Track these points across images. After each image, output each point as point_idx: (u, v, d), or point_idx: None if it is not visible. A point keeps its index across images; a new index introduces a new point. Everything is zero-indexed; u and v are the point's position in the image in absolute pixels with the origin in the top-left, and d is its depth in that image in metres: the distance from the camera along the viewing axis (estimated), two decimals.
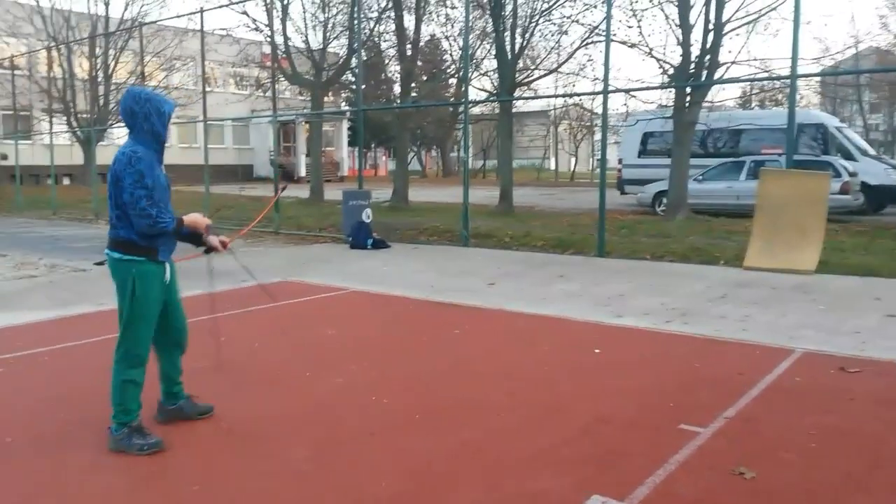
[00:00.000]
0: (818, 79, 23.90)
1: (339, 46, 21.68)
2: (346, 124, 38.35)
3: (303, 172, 33.35)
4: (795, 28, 8.76)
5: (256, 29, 20.05)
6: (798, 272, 8.07)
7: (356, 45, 16.17)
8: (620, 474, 3.14)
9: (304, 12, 20.63)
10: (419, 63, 22.25)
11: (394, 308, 6.92)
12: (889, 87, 26.89)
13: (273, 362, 4.97)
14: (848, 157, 15.93)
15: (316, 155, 22.16)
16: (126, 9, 27.40)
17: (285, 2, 19.69)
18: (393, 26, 19.80)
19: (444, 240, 12.18)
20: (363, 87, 17.89)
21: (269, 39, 20.14)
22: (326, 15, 20.12)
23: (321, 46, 20.44)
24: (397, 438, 3.56)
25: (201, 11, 15.71)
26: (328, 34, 20.31)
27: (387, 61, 22.33)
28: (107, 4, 27.72)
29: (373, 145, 44.19)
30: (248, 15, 20.47)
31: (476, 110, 31.98)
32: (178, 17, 30.15)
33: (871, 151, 18.15)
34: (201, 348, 5.32)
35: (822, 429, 3.66)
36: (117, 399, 3.41)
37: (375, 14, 20.09)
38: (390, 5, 19.29)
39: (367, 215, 11.66)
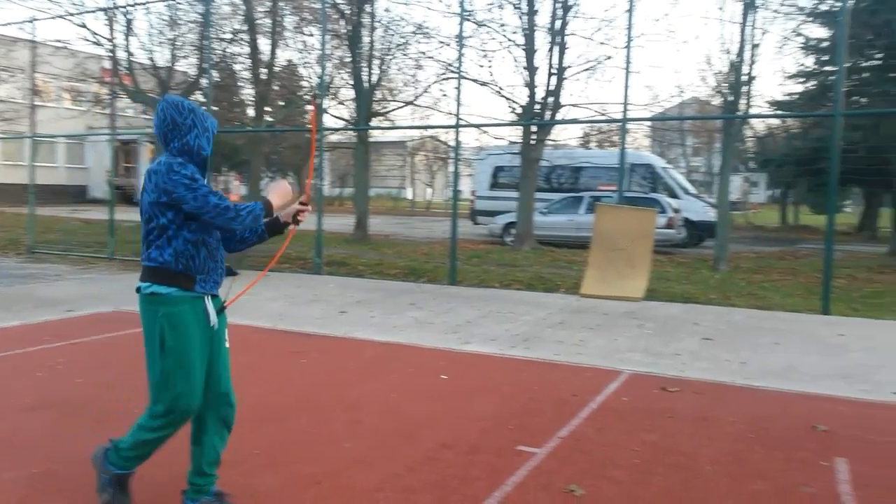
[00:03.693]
0: (648, 123, 26.24)
1: (188, 65, 20.81)
2: None
3: None
4: (626, 77, 9.59)
5: (96, 42, 18.78)
6: (628, 299, 8.72)
7: (206, 65, 15.60)
8: (460, 499, 3.19)
9: (151, 28, 19.58)
10: (275, 88, 21.85)
11: (238, 337, 6.60)
12: (708, 133, 30.12)
13: (100, 398, 4.58)
14: (673, 195, 17.57)
15: None
16: None
17: (129, 16, 18.62)
18: (248, 49, 19.35)
19: (297, 267, 11.92)
20: (214, 108, 17.24)
21: (110, 54, 18.91)
22: (175, 33, 19.26)
23: (168, 64, 19.50)
24: (234, 475, 3.39)
25: (33, 21, 14.48)
26: (176, 52, 19.43)
27: (240, 83, 21.72)
28: None
29: (224, 169, 42.56)
30: (86, 27, 19.13)
31: (333, 138, 31.83)
32: (5, 24, 27.58)
33: (693, 190, 20.13)
34: (22, 382, 4.82)
35: (646, 445, 3.95)
36: (130, 445, 2.89)
37: (229, 35, 19.54)
38: (245, 27, 18.84)
39: None
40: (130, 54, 19.24)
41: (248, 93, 21.31)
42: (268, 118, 21.21)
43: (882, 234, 21.72)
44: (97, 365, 5.49)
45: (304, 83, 22.95)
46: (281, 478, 3.40)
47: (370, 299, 8.91)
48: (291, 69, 23.89)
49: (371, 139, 20.62)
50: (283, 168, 45.45)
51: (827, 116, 13.21)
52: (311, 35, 19.09)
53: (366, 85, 17.02)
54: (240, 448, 3.74)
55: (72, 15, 17.42)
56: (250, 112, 21.48)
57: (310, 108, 18.95)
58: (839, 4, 8.97)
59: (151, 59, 19.36)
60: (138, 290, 2.84)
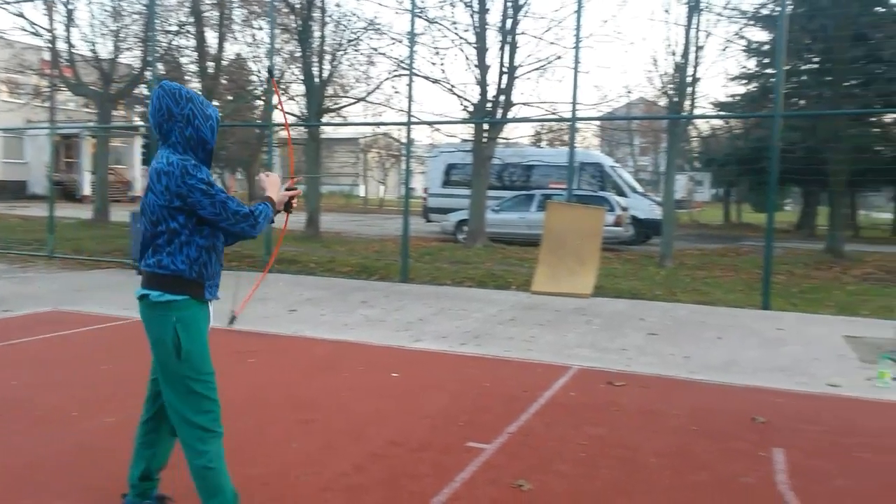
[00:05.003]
0: (597, 122, 26.67)
1: (132, 57, 20.22)
2: (140, 141, 35.67)
3: (87, 191, 30.46)
4: (575, 76, 9.72)
5: (35, 33, 18.09)
6: (577, 296, 8.85)
7: (151, 57, 15.19)
8: (409, 496, 3.19)
9: (93, 19, 18.96)
10: (223, 81, 21.40)
11: None
12: (654, 133, 30.83)
13: (34, 401, 4.42)
14: (620, 193, 17.93)
15: (102, 172, 20.33)
16: None
17: (69, 6, 17.99)
18: (194, 41, 18.91)
19: (246, 265, 11.70)
20: None
21: (49, 45, 18.25)
22: (118, 24, 18.68)
23: (111, 56, 18.91)
24: (178, 478, 3.29)
25: None
26: (119, 44, 18.85)
27: (187, 77, 21.22)
28: None
29: None
30: (24, 17, 18.39)
31: (283, 133, 31.38)
32: None
33: (640, 189, 20.56)
34: None
35: (592, 440, 4.02)
36: (208, 492, 2.70)
37: (174, 27, 19.05)
38: (191, 20, 18.41)
39: None
40: (71, 45, 18.64)
41: (194, 87, 20.87)
42: None
43: (819, 232, 22.56)
44: (35, 366, 5.29)
45: (253, 77, 22.57)
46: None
47: (321, 297, 8.82)
48: (240, 63, 23.44)
49: (323, 135, 20.40)
50: (231, 164, 44.53)
51: (767, 117, 13.64)
52: (261, 29, 18.79)
53: (317, 80, 16.82)
54: (181, 451, 3.66)
55: (8, 3, 16.74)
56: None
57: (265, 100, 18.55)
58: (779, 9, 9.28)
59: (93, 51, 18.78)
60: (143, 297, 2.65)
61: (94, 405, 4.38)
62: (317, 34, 16.95)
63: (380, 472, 3.45)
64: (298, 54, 17.37)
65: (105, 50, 18.92)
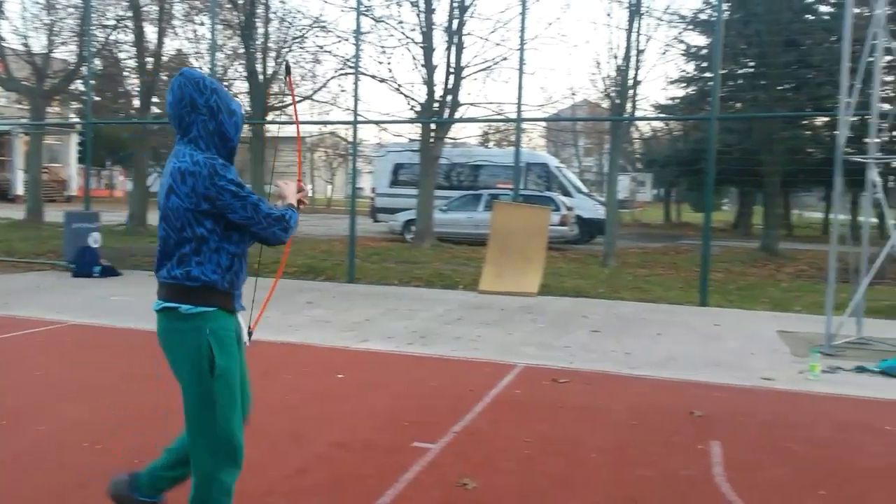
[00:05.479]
0: (542, 123, 27.00)
1: (67, 52, 19.50)
2: (76, 139, 34.43)
3: (20, 190, 29.25)
4: (520, 77, 9.84)
5: None
6: (523, 295, 8.96)
7: (87, 52, 14.66)
8: (352, 498, 3.17)
9: (25, 11, 18.20)
10: (163, 77, 20.84)
11: (120, 343, 6.29)
12: (598, 135, 31.42)
13: None
14: (566, 193, 18.22)
15: (35, 171, 19.55)
16: None
17: None
18: (133, 36, 18.35)
19: None
20: (97, 98, 16.27)
21: None
22: (52, 17, 17.98)
23: (45, 51, 18.19)
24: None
25: None
26: (54, 38, 18.15)
27: (125, 73, 20.59)
28: None
29: (108, 163, 40.20)
30: None
31: None
32: None
33: (585, 189, 20.93)
34: None
35: (536, 436, 4.07)
36: None
37: (112, 21, 18.44)
38: (129, 14, 17.85)
39: (94, 240, 10.52)
40: (1, 39, 17.84)
41: (134, 83, 20.24)
42: (155, 109, 20.21)
43: (755, 231, 23.39)
44: None
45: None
46: None
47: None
48: (181, 59, 22.86)
49: (268, 134, 20.07)
50: None
51: (704, 120, 14.06)
52: (202, 24, 18.34)
53: (261, 78, 16.53)
54: (117, 458, 3.55)
55: None
56: (136, 103, 20.37)
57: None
58: (716, 14, 9.58)
59: (26, 45, 18.03)
60: (169, 310, 2.41)
61: (25, 413, 4.20)
62: (261, 31, 16.67)
63: (324, 475, 3.42)
64: (242, 51, 17.04)
65: (38, 44, 18.20)
